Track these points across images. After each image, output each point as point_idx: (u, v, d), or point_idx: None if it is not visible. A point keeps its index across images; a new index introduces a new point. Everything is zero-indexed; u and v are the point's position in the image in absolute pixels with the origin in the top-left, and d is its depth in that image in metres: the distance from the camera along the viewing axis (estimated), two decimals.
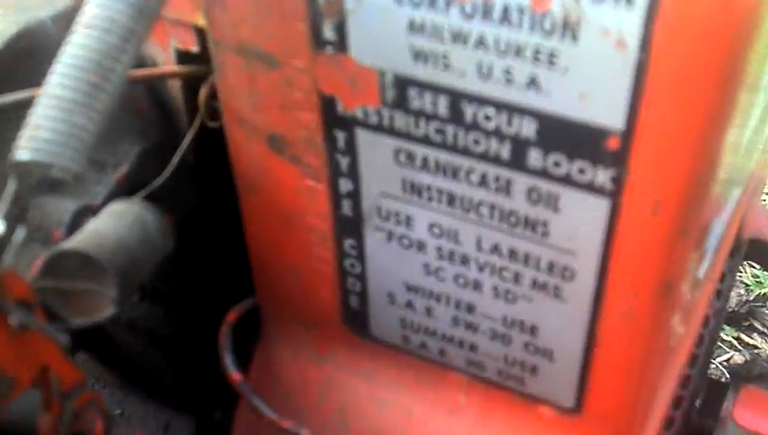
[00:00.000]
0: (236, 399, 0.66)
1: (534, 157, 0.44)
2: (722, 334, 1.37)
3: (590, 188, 0.44)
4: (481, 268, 0.51)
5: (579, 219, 0.45)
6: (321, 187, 0.52)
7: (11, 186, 0.36)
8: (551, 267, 0.48)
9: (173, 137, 0.55)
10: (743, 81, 0.40)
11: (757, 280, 1.45)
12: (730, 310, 1.36)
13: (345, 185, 0.52)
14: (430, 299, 0.55)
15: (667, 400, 0.60)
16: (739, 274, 1.44)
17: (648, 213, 0.43)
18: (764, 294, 1.44)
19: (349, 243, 0.55)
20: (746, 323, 1.39)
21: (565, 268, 0.48)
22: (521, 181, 0.46)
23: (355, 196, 0.52)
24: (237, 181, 0.56)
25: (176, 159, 0.52)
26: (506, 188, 0.46)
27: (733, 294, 1.38)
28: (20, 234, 0.36)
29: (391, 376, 0.61)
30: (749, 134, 0.53)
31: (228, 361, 0.58)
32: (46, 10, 0.54)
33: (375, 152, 0.49)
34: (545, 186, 0.45)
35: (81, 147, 0.36)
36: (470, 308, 0.53)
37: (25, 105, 0.37)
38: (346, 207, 0.53)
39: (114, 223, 0.46)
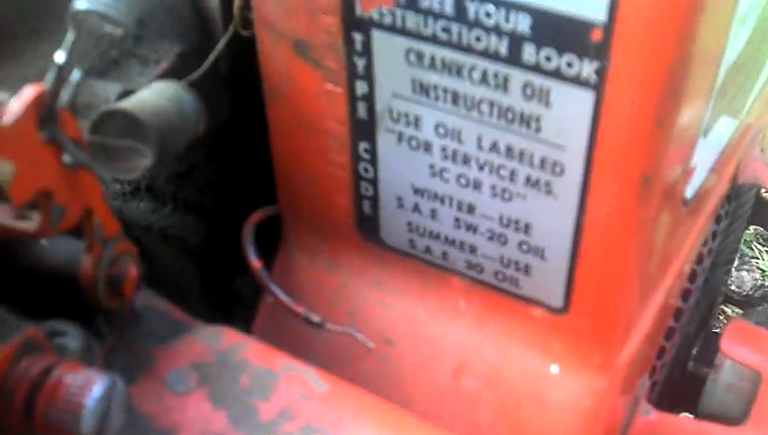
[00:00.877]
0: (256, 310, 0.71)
1: (528, 52, 0.49)
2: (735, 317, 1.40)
3: (577, 81, 0.48)
4: (481, 167, 0.56)
5: (567, 113, 0.50)
6: (339, 90, 0.58)
7: (70, 35, 0.42)
8: (543, 163, 0.53)
9: (209, 43, 0.60)
10: None
11: None
12: (744, 293, 1.40)
13: (361, 87, 0.57)
14: (435, 201, 0.59)
15: (654, 316, 0.64)
16: (755, 259, 1.47)
17: (627, 104, 0.48)
18: None
19: (363, 146, 0.60)
20: (760, 308, 1.41)
21: (555, 163, 0.53)
22: (517, 77, 0.50)
23: (369, 98, 0.57)
24: (264, 87, 0.61)
25: (212, 57, 0.58)
26: (504, 85, 0.51)
27: (747, 277, 1.41)
28: (76, 75, 0.41)
29: (398, 283, 0.66)
30: (737, 57, 0.57)
31: (250, 251, 0.63)
32: None
33: (388, 53, 0.54)
34: (538, 80, 0.50)
35: (133, 6, 0.42)
36: (470, 208, 0.58)
37: None
38: (361, 110, 0.58)
39: (155, 95, 0.51)
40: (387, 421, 0.50)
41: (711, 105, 0.56)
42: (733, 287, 1.43)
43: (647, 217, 0.54)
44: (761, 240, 1.53)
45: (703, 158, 0.61)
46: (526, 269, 0.59)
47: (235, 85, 0.65)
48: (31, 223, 0.44)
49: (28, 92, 0.41)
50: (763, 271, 1.46)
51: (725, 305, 1.37)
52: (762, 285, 1.42)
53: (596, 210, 0.53)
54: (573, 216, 0.54)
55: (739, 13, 0.52)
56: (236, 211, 0.70)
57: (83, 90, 0.48)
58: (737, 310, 1.37)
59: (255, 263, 0.63)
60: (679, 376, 0.81)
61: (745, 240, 1.51)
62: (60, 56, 0.41)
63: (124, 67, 0.57)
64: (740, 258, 1.46)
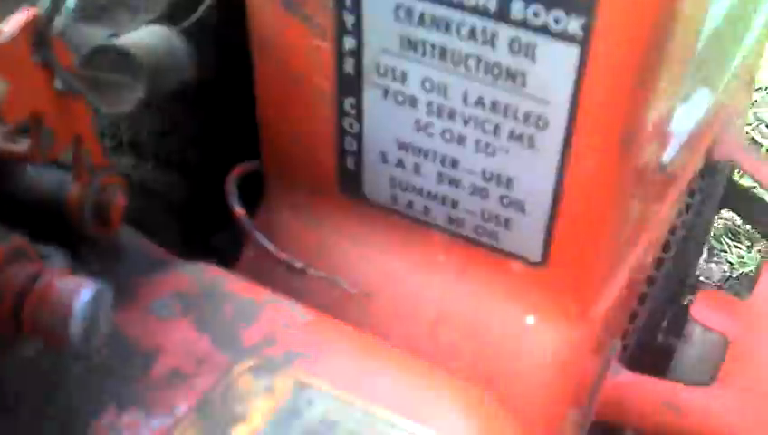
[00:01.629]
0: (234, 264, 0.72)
1: (516, 8, 0.50)
2: None
3: (563, 36, 0.50)
4: (466, 122, 0.57)
5: (552, 68, 0.51)
6: (327, 45, 0.58)
7: None
8: (527, 117, 0.54)
9: None
10: None
11: (741, 260, 1.51)
12: (713, 285, 1.43)
13: (349, 42, 0.58)
14: (419, 156, 0.61)
15: (628, 275, 0.66)
16: (724, 252, 1.51)
17: (611, 60, 0.49)
18: (747, 273, 1.50)
19: (349, 102, 0.61)
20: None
21: (539, 118, 0.54)
22: (504, 33, 0.52)
23: (357, 53, 0.58)
24: (252, 43, 0.62)
25: (201, 9, 0.58)
26: (491, 41, 0.53)
27: (716, 269, 1.44)
28: (70, 3, 0.42)
29: (378, 237, 0.67)
30: (716, 28, 0.59)
31: (234, 201, 0.64)
32: None
33: (378, 9, 0.55)
34: (525, 36, 0.51)
35: None
36: (454, 163, 0.60)
37: None
38: (348, 66, 0.59)
39: (146, 35, 0.52)
40: (367, 348, 0.51)
41: (690, 71, 0.58)
42: (701, 279, 1.46)
43: (625, 174, 0.56)
44: (730, 234, 1.56)
45: (680, 124, 0.63)
46: (506, 223, 0.60)
47: (221, 39, 0.65)
48: (21, 146, 0.45)
49: (22, 14, 0.42)
50: (732, 264, 1.49)
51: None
52: (729, 277, 1.45)
53: (577, 165, 0.55)
54: (555, 170, 0.56)
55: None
56: (217, 168, 0.71)
57: (72, 34, 0.49)
58: None
59: (239, 211, 0.64)
60: (649, 346, 0.83)
61: (715, 234, 1.54)
62: None
63: (113, 14, 0.57)
64: (709, 251, 1.50)
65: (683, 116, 0.63)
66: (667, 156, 0.64)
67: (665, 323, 0.86)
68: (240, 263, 0.70)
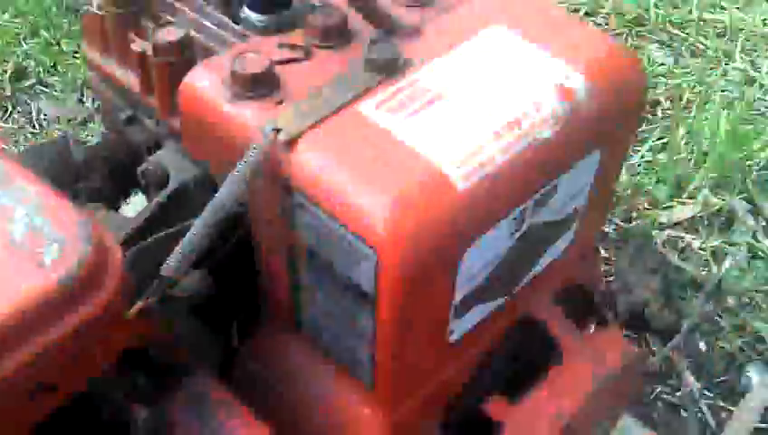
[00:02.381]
0: None
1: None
2: None
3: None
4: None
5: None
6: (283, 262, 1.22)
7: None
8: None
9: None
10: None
11: None
12: None
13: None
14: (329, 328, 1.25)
15: (423, 399, 1.27)
16: None
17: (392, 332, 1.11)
18: None
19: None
20: None
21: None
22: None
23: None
24: (258, 260, 1.26)
25: (227, 246, 1.24)
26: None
27: None
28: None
29: (306, 353, 1.31)
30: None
31: (234, 335, 1.30)
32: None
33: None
34: None
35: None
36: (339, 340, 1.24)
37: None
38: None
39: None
40: None
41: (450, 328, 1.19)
42: None
43: (405, 363, 1.18)
44: None
45: (461, 326, 1.24)
46: (362, 365, 1.23)
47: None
48: None
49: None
50: None
51: None
52: None
53: (379, 355, 1.17)
54: (370, 355, 1.18)
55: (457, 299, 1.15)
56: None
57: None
58: None
59: (237, 343, 1.30)
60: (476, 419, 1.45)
61: None
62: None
63: None
64: None
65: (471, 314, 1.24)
66: (454, 336, 1.25)
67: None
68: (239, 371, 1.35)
